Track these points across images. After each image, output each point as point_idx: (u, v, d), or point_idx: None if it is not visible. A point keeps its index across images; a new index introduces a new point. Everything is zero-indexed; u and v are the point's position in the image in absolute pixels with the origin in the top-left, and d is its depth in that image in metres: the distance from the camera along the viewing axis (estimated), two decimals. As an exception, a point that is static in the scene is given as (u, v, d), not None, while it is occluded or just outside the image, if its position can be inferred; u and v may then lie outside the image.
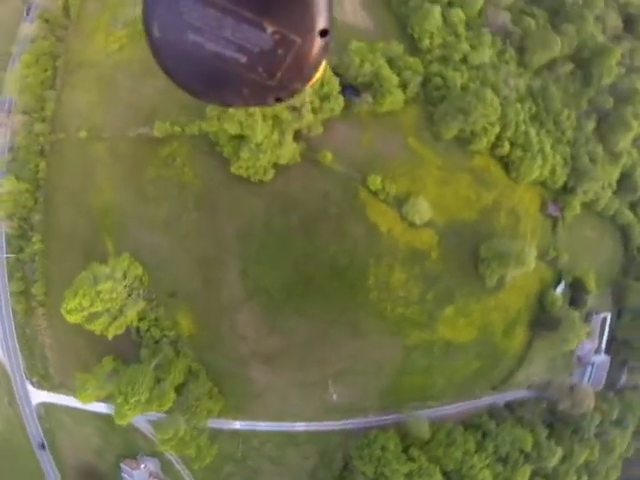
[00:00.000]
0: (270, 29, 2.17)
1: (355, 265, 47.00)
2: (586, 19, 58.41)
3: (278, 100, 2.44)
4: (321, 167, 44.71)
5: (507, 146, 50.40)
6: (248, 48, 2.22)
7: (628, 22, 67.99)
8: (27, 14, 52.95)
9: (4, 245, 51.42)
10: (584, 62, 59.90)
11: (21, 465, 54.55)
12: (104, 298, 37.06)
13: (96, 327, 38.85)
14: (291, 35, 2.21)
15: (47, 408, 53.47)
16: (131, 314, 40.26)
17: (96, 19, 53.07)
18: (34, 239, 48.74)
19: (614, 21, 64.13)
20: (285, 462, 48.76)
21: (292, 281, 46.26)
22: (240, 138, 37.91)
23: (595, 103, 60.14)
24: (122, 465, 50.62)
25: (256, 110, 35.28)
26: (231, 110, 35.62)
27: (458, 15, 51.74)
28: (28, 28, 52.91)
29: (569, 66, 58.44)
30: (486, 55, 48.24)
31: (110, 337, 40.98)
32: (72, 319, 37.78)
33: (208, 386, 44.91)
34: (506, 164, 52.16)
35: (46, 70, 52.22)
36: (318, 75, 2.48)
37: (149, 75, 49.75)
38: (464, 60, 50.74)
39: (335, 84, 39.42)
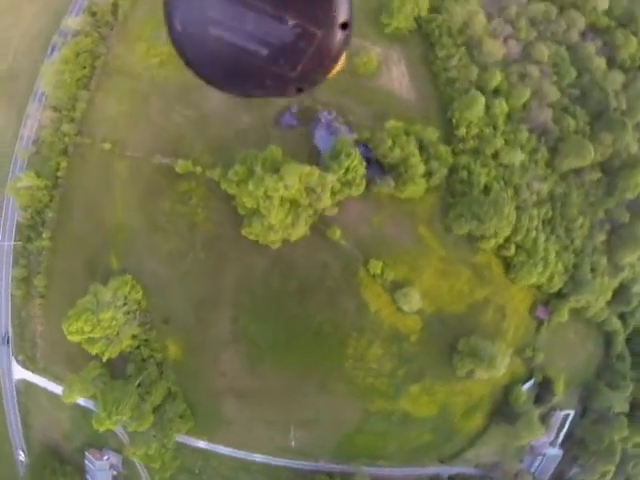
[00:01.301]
0: (291, 22, 2.40)
1: (338, 334, 54.47)
2: (626, 128, 62.82)
3: (299, 90, 2.72)
4: (328, 241, 51.16)
5: (513, 249, 56.54)
6: (270, 41, 2.44)
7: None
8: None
9: (13, 232, 58.30)
10: (612, 171, 64.87)
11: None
12: (104, 325, 44.55)
13: (94, 350, 46.65)
14: (312, 28, 2.43)
15: (27, 386, 62.37)
16: (126, 339, 47.96)
17: (142, 26, 57.52)
18: (44, 235, 55.66)
19: (656, 132, 68.13)
20: None
21: (278, 336, 53.89)
22: (256, 209, 44.01)
23: (611, 214, 65.62)
24: (87, 453, 60.06)
25: (275, 194, 41.21)
26: (250, 186, 41.45)
27: (501, 106, 56.29)
28: (73, 21, 57.41)
29: (596, 174, 63.49)
30: (518, 158, 53.44)
31: (104, 359, 48.81)
32: (73, 339, 45.46)
33: (182, 408, 53.44)
34: (507, 264, 58.37)
35: (84, 67, 57.14)
36: (339, 66, 2.81)
37: (182, 102, 55.08)
38: (495, 155, 55.89)
39: (361, 171, 45.10)
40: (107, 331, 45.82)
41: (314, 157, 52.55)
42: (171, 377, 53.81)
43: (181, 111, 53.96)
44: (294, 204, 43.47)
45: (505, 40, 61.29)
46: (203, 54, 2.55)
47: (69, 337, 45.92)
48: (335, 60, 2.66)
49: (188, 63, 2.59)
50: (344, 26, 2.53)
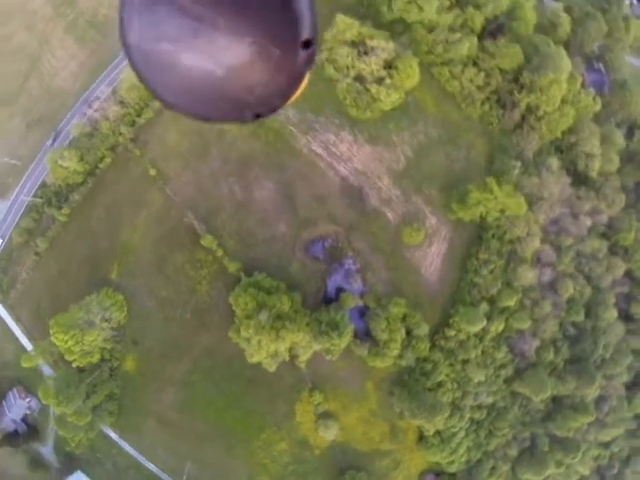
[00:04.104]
0: (248, 39, 2.53)
1: (262, 421, 71.83)
2: (592, 384, 76.35)
3: (257, 116, 2.87)
4: (293, 364, 63.82)
5: (432, 432, 71.66)
6: (225, 60, 2.58)
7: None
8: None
9: (35, 188, 66.65)
10: (559, 406, 78.88)
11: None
12: (85, 344, 57.04)
13: (69, 357, 59.54)
14: (270, 46, 2.55)
15: (-14, 308, 75.13)
16: (97, 353, 60.74)
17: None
18: (62, 211, 64.90)
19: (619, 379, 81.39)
20: (121, 476, 76.11)
21: (217, 400, 71.10)
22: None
23: (535, 437, 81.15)
24: (15, 388, 75.05)
25: (264, 343, 52.62)
26: (251, 329, 52.60)
27: (498, 327, 67.98)
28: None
29: (543, 405, 77.29)
30: (478, 378, 66.26)
31: (74, 366, 61.42)
32: (56, 342, 57.67)
33: (114, 406, 68.51)
34: (421, 437, 73.57)
35: (169, 77, 62.41)
36: (299, 91, 2.87)
37: (236, 175, 63.73)
38: (464, 362, 68.02)
39: (343, 345, 56.53)
40: (86, 348, 58.20)
41: (320, 293, 63.11)
42: (118, 382, 68.13)
43: (231, 184, 62.16)
44: (275, 352, 55.16)
45: (543, 266, 70.32)
46: (157, 72, 2.74)
47: (53, 338, 57.77)
48: (296, 83, 2.81)
49: (141, 79, 2.81)
50: (307, 44, 2.64)
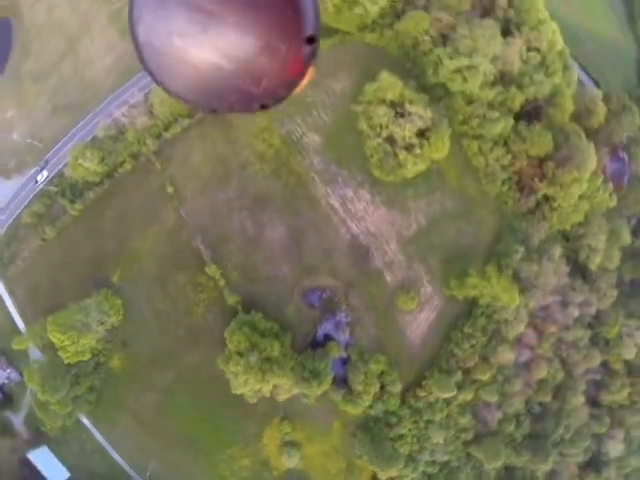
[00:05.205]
0: (255, 35, 2.80)
1: (231, 437, 77.22)
2: (548, 456, 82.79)
3: (263, 107, 3.17)
4: (272, 396, 69.44)
5: (385, 477, 78.39)
6: (233, 54, 2.85)
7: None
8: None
9: (49, 178, 69.43)
10: (512, 476, 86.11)
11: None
12: (80, 344, 61.47)
13: (62, 354, 63.63)
14: (276, 42, 2.84)
15: (-18, 275, 79.05)
16: (88, 353, 65.27)
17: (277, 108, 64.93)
18: (75, 206, 68.01)
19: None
20: (87, 459, 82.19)
21: (194, 412, 76.24)
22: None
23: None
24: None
25: (250, 382, 57.60)
26: (240, 368, 57.22)
27: (466, 396, 74.15)
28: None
29: (494, 472, 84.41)
30: (437, 439, 72.88)
31: (65, 362, 65.91)
32: (53, 340, 61.94)
33: (93, 397, 73.91)
34: (374, 477, 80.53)
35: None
36: (304, 82, 3.21)
37: (250, 210, 67.52)
38: (429, 421, 74.46)
39: (319, 392, 61.83)
40: (79, 348, 62.63)
41: (309, 337, 68.05)
42: (101, 375, 73.08)
43: (243, 218, 66.01)
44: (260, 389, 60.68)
45: (522, 347, 75.81)
46: (166, 65, 2.99)
47: (49, 335, 61.95)
48: (300, 76, 3.10)
49: (151, 73, 3.07)
50: (310, 40, 2.92)
